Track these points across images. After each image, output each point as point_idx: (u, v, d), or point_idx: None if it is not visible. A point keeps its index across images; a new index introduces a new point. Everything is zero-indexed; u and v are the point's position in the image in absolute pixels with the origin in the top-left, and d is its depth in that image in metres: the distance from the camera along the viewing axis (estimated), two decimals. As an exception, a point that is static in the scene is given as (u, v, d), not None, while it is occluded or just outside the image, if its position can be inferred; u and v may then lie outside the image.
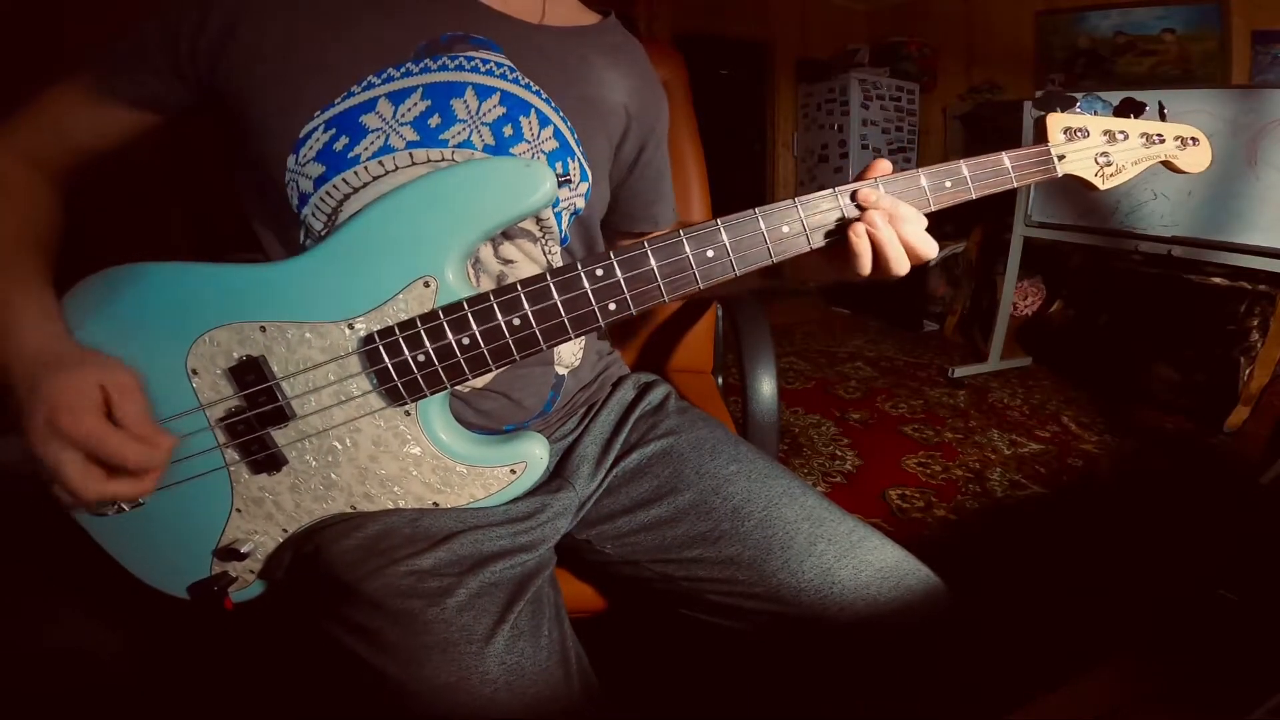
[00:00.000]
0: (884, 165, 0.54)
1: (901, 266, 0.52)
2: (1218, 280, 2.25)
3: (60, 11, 0.89)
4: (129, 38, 0.55)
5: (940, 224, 3.25)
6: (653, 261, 0.52)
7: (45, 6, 0.90)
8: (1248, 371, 2.07)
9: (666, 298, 0.53)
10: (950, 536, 1.51)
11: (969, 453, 1.92)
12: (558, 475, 0.66)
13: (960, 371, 2.54)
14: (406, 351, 0.52)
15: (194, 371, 0.53)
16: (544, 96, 0.58)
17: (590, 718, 0.51)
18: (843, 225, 0.52)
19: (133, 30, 0.54)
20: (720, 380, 1.11)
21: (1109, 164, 0.60)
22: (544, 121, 0.58)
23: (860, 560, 0.57)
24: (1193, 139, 0.63)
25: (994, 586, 1.31)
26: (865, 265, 0.52)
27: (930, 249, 0.52)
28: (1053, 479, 1.76)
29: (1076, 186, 0.61)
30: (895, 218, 0.51)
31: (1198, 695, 0.95)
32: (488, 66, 0.56)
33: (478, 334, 0.52)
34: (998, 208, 2.62)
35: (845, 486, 1.74)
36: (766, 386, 0.84)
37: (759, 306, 0.93)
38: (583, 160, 0.61)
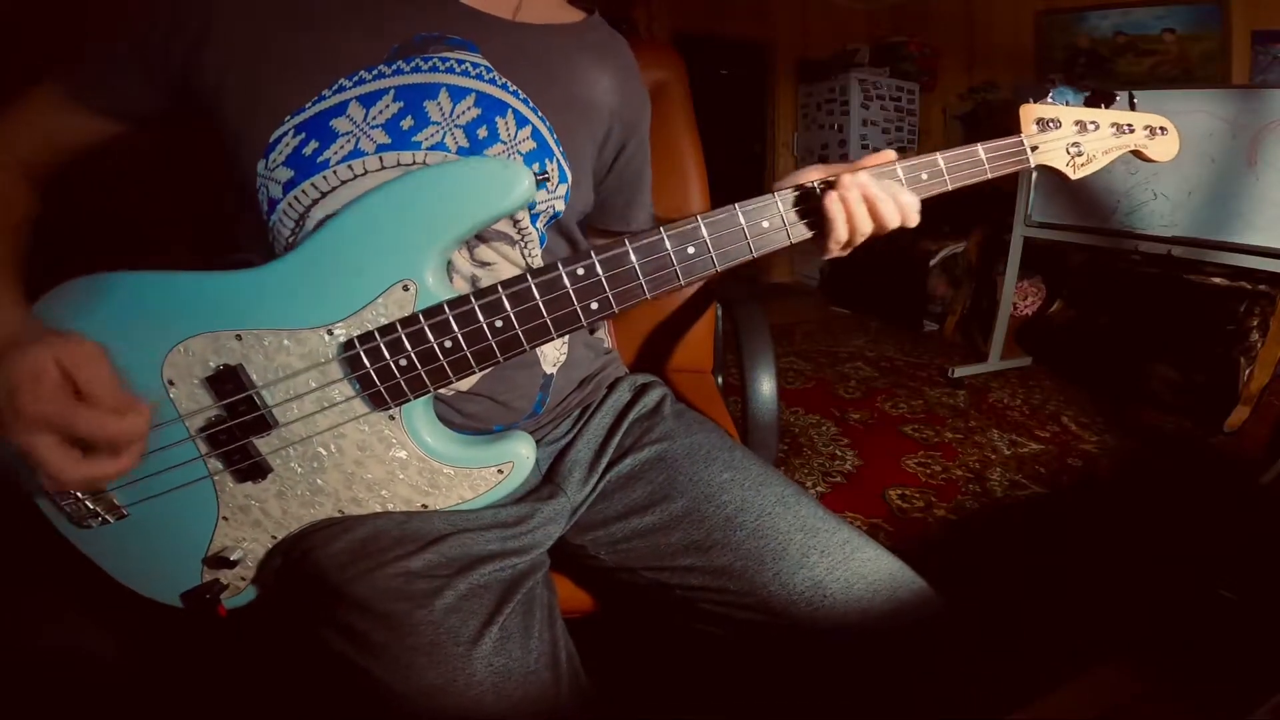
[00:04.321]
0: (888, 154, 0.55)
1: (866, 231, 0.54)
2: (1218, 280, 2.25)
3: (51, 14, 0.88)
4: (101, 45, 0.54)
5: (940, 224, 3.25)
6: (634, 259, 0.52)
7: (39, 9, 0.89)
8: (1248, 371, 2.07)
9: (649, 295, 0.53)
10: (950, 536, 1.51)
11: (969, 453, 1.92)
12: (550, 481, 0.66)
13: (960, 371, 2.53)
14: (388, 356, 0.51)
15: (170, 382, 0.52)
16: (522, 96, 0.57)
17: None
18: (815, 203, 0.54)
19: (104, 37, 0.54)
20: (720, 380, 1.11)
21: (1080, 154, 0.61)
22: (521, 122, 0.57)
23: (853, 573, 0.57)
24: (1161, 128, 0.64)
25: (994, 586, 1.31)
26: (841, 232, 0.53)
27: (913, 214, 0.55)
28: (1053, 479, 1.76)
29: (1056, 179, 0.63)
30: (869, 196, 0.53)
31: (1198, 695, 0.95)
32: (463, 67, 0.55)
33: (460, 336, 0.51)
34: (998, 208, 2.62)
35: (845, 486, 1.73)
36: (766, 386, 0.84)
37: (759, 306, 0.93)
38: (562, 161, 0.60)
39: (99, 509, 0.53)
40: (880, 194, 0.52)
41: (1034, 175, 2.37)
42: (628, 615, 0.71)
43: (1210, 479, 1.78)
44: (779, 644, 0.57)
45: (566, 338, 0.68)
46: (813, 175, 0.55)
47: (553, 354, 0.66)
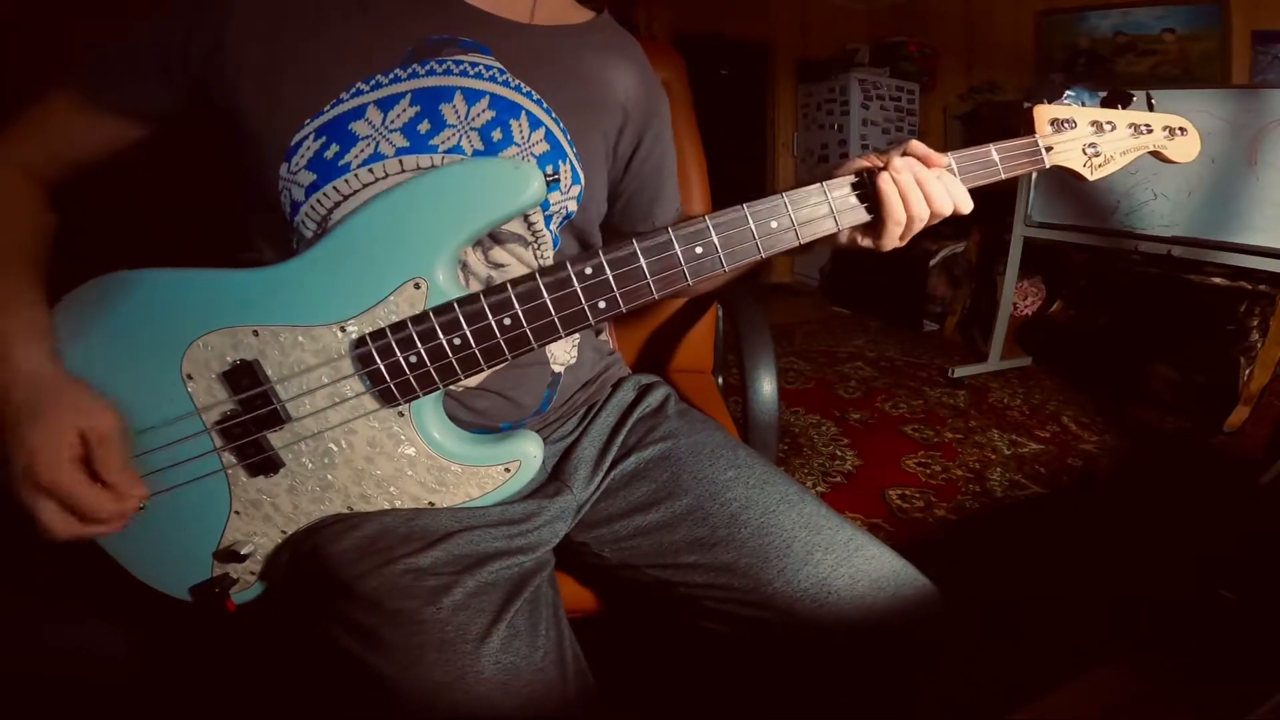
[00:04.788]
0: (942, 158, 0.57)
1: (922, 213, 0.55)
2: (1218, 280, 2.25)
3: (66, 16, 0.89)
4: (118, 49, 0.55)
5: (939, 224, 3.25)
6: (642, 260, 0.52)
7: (50, 10, 0.90)
8: (1248, 371, 2.07)
9: (656, 295, 0.53)
10: (950, 536, 1.51)
11: (969, 453, 1.92)
12: (555, 479, 0.66)
13: (960, 371, 2.53)
14: (399, 353, 0.52)
15: (189, 376, 0.53)
16: (535, 98, 0.58)
17: (585, 718, 0.51)
18: (867, 189, 0.55)
19: (122, 41, 0.54)
20: (720, 380, 1.11)
21: (1097, 154, 0.60)
22: (535, 124, 0.58)
23: (857, 570, 0.57)
24: (1181, 129, 0.63)
25: (994, 586, 1.31)
26: (897, 211, 0.54)
27: (964, 201, 0.56)
28: (1053, 479, 1.76)
29: (1068, 179, 0.62)
30: (919, 178, 0.54)
31: (1198, 695, 0.95)
32: (476, 70, 0.56)
33: (469, 334, 0.52)
34: (998, 208, 2.62)
35: (845, 486, 1.74)
36: (766, 386, 0.84)
37: (759, 306, 0.93)
38: (575, 162, 0.60)
39: None
40: (929, 175, 0.54)
41: (1034, 174, 2.37)
42: (630, 615, 0.71)
43: (1210, 479, 1.79)
44: (782, 641, 0.58)
45: (576, 340, 0.69)
46: (858, 165, 0.56)
47: (562, 355, 0.67)
